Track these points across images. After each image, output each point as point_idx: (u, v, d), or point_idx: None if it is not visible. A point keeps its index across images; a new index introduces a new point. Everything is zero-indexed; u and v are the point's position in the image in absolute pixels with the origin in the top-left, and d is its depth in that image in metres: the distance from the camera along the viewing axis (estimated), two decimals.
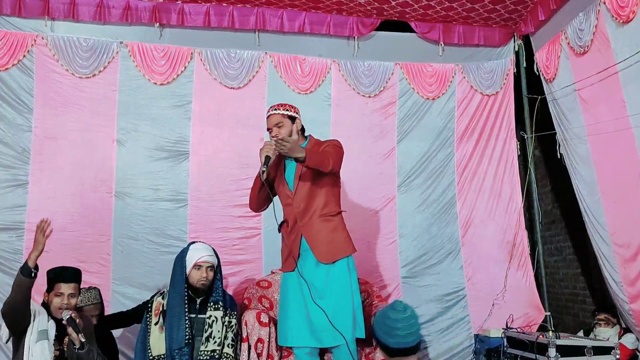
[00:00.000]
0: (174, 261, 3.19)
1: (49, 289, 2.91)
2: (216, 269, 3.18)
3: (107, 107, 4.32)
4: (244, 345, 3.27)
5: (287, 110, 3.06)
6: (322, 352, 3.18)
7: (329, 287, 2.96)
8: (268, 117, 3.07)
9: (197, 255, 3.12)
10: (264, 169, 2.81)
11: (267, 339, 3.28)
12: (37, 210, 4.11)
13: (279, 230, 3.19)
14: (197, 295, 3.12)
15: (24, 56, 4.20)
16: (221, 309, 3.12)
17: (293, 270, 3.02)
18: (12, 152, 4.13)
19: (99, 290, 3.60)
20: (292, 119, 3.06)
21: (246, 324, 3.32)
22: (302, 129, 3.15)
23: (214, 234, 4.30)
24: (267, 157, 2.83)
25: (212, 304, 3.12)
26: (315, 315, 2.93)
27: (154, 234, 4.23)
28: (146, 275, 4.15)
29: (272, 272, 4.06)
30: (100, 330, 3.40)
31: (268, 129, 3.07)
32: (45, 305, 2.91)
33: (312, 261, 2.98)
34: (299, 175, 3.03)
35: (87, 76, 4.29)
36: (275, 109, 3.06)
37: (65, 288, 2.89)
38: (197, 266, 3.09)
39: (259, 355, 3.28)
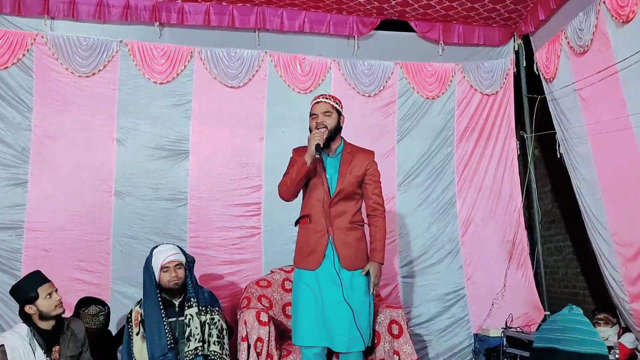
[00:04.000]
0: (143, 271, 3.13)
1: (30, 300, 2.82)
2: (185, 265, 3.14)
3: (106, 106, 4.31)
4: (244, 345, 3.27)
5: (337, 103, 3.05)
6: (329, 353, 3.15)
7: (350, 294, 2.93)
8: (317, 103, 3.03)
9: (162, 257, 3.08)
10: (317, 155, 2.86)
11: (267, 338, 3.28)
12: (36, 209, 4.11)
13: (296, 224, 3.13)
14: (172, 297, 3.09)
15: (24, 55, 4.19)
16: (194, 305, 3.08)
17: (313, 269, 2.96)
18: (12, 151, 4.13)
19: (105, 314, 3.57)
20: (339, 113, 3.05)
21: (245, 323, 3.31)
22: (341, 127, 3.11)
23: (214, 233, 4.31)
24: (318, 145, 2.86)
25: (186, 302, 3.09)
26: (333, 317, 2.90)
27: (153, 233, 4.23)
28: None
29: (272, 272, 4.07)
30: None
31: (313, 115, 3.02)
32: (28, 317, 2.84)
33: (336, 264, 2.94)
34: (343, 177, 3.00)
35: (86, 75, 4.29)
36: (327, 98, 3.04)
37: (50, 287, 2.88)
38: (164, 268, 3.06)
39: (258, 354, 3.28)
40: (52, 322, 2.86)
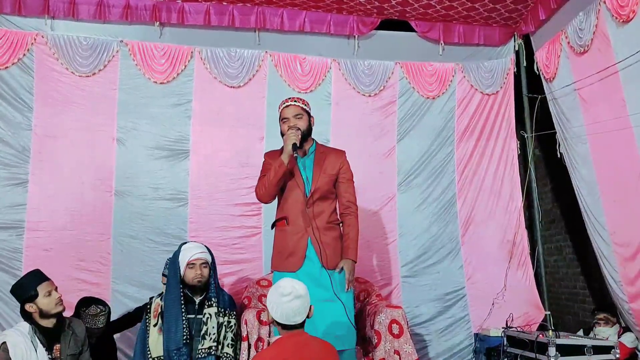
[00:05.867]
0: (168, 264, 3.20)
1: (30, 298, 2.82)
2: (210, 265, 3.19)
3: (107, 105, 4.32)
4: (244, 344, 3.27)
5: (306, 105, 3.10)
6: None
7: (333, 293, 2.94)
8: (287, 107, 3.07)
9: (189, 254, 3.14)
10: (296, 155, 2.93)
11: (267, 338, 3.28)
12: (36, 209, 4.12)
13: (273, 227, 3.15)
14: (194, 294, 3.13)
15: (24, 55, 4.20)
16: (214, 305, 3.13)
17: (294, 271, 2.98)
18: (12, 151, 4.13)
19: (106, 314, 3.55)
20: (309, 115, 3.10)
21: (246, 323, 3.32)
22: (312, 129, 3.15)
23: (214, 232, 4.31)
24: (295, 144, 2.91)
25: (206, 301, 3.14)
26: (318, 318, 2.90)
27: (154, 232, 4.24)
28: (146, 274, 4.15)
29: (272, 271, 4.06)
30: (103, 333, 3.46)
31: (284, 119, 3.05)
32: (29, 315, 2.84)
33: (317, 265, 2.97)
34: (318, 176, 3.04)
35: (87, 75, 4.29)
36: (296, 101, 3.09)
37: (50, 285, 2.87)
38: (190, 265, 3.12)
39: None
40: (53, 320, 2.87)
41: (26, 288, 2.86)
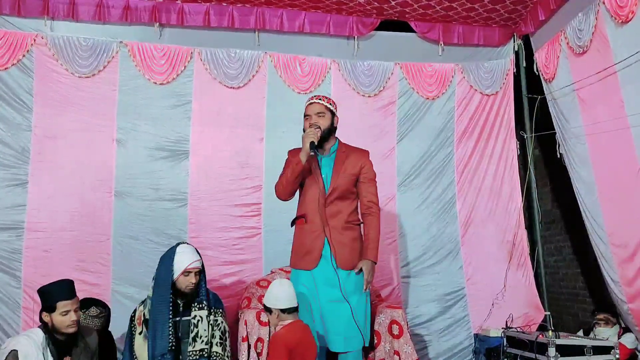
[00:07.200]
0: (159, 265, 3.10)
1: (50, 309, 2.80)
2: (201, 269, 3.14)
3: (107, 106, 4.32)
4: (244, 345, 3.28)
5: (331, 104, 3.07)
6: (329, 353, 3.14)
7: (346, 293, 2.93)
8: (310, 104, 3.06)
9: (186, 260, 3.04)
10: (312, 153, 2.92)
11: (267, 338, 3.28)
12: (37, 209, 4.12)
13: (292, 224, 3.13)
14: (182, 299, 3.08)
15: (24, 56, 4.20)
16: (205, 308, 3.09)
17: (309, 269, 2.97)
18: (12, 152, 4.13)
19: (105, 315, 3.55)
20: (333, 114, 3.08)
21: (246, 324, 3.32)
22: (335, 128, 3.13)
23: (214, 233, 4.32)
24: (312, 143, 2.90)
25: (196, 304, 3.09)
26: (329, 317, 2.91)
27: (154, 233, 4.23)
28: (146, 275, 4.10)
29: (272, 272, 4.07)
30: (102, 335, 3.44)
31: (307, 116, 3.05)
32: (45, 323, 2.82)
33: (333, 264, 2.95)
34: (337, 175, 3.02)
35: (86, 76, 4.29)
36: (320, 99, 3.07)
37: (70, 305, 2.82)
38: (186, 272, 3.04)
39: (258, 354, 3.28)
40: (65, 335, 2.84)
41: (49, 298, 2.82)
